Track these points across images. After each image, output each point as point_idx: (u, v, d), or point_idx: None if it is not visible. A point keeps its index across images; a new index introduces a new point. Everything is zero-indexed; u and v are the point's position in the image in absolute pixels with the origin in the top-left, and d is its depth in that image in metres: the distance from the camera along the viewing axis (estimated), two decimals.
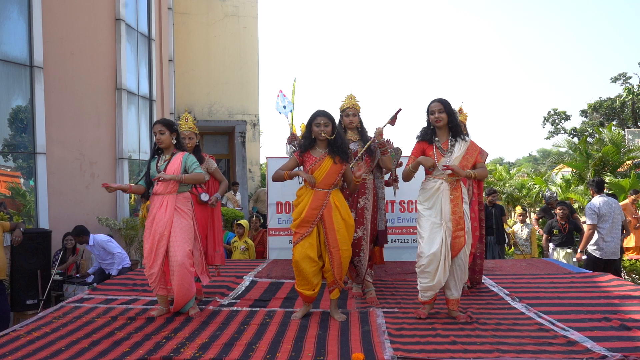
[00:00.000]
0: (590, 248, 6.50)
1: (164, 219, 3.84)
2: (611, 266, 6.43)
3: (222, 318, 3.84)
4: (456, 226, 3.66)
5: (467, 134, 4.61)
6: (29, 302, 5.75)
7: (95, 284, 5.86)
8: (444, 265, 3.62)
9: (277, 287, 4.89)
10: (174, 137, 4.02)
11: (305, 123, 4.97)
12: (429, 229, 3.67)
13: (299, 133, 5.08)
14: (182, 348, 3.14)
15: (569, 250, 7.20)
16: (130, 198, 9.16)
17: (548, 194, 8.47)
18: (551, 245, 7.44)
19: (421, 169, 3.84)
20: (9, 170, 7.20)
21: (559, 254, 7.25)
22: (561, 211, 7.24)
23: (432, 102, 3.81)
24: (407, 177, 3.85)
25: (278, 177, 3.82)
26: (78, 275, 6.62)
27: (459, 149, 3.74)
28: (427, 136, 3.83)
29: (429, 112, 3.81)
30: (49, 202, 7.29)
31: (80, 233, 6.49)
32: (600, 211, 6.36)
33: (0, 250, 5.20)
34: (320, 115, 3.73)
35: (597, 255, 6.42)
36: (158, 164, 3.98)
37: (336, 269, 3.71)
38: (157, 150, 4.07)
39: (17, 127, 7.23)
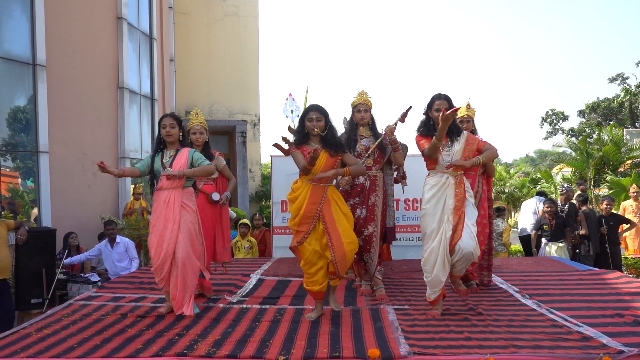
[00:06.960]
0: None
1: (172, 216, 3.79)
2: (528, 241, 8.13)
3: (232, 315, 3.82)
4: (457, 221, 3.61)
5: (475, 130, 4.64)
6: (34, 301, 5.67)
7: (100, 283, 5.83)
8: (442, 260, 3.60)
9: (285, 285, 4.87)
10: (180, 133, 4.00)
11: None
12: (430, 225, 3.65)
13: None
14: (196, 345, 3.11)
15: (560, 245, 7.43)
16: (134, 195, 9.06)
17: (565, 186, 8.54)
18: (543, 240, 7.64)
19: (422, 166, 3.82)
20: (8, 170, 7.15)
21: (551, 248, 7.49)
22: (549, 209, 7.52)
23: (438, 99, 3.74)
24: (434, 153, 3.65)
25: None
26: (82, 274, 6.57)
27: (459, 141, 3.72)
28: (429, 132, 3.76)
29: (434, 108, 3.73)
30: (52, 201, 7.25)
31: (111, 224, 6.59)
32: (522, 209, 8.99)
33: (5, 249, 5.14)
34: (313, 110, 3.67)
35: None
36: (163, 160, 3.92)
37: (339, 264, 3.59)
38: (159, 146, 4.00)
39: (19, 126, 7.19)
